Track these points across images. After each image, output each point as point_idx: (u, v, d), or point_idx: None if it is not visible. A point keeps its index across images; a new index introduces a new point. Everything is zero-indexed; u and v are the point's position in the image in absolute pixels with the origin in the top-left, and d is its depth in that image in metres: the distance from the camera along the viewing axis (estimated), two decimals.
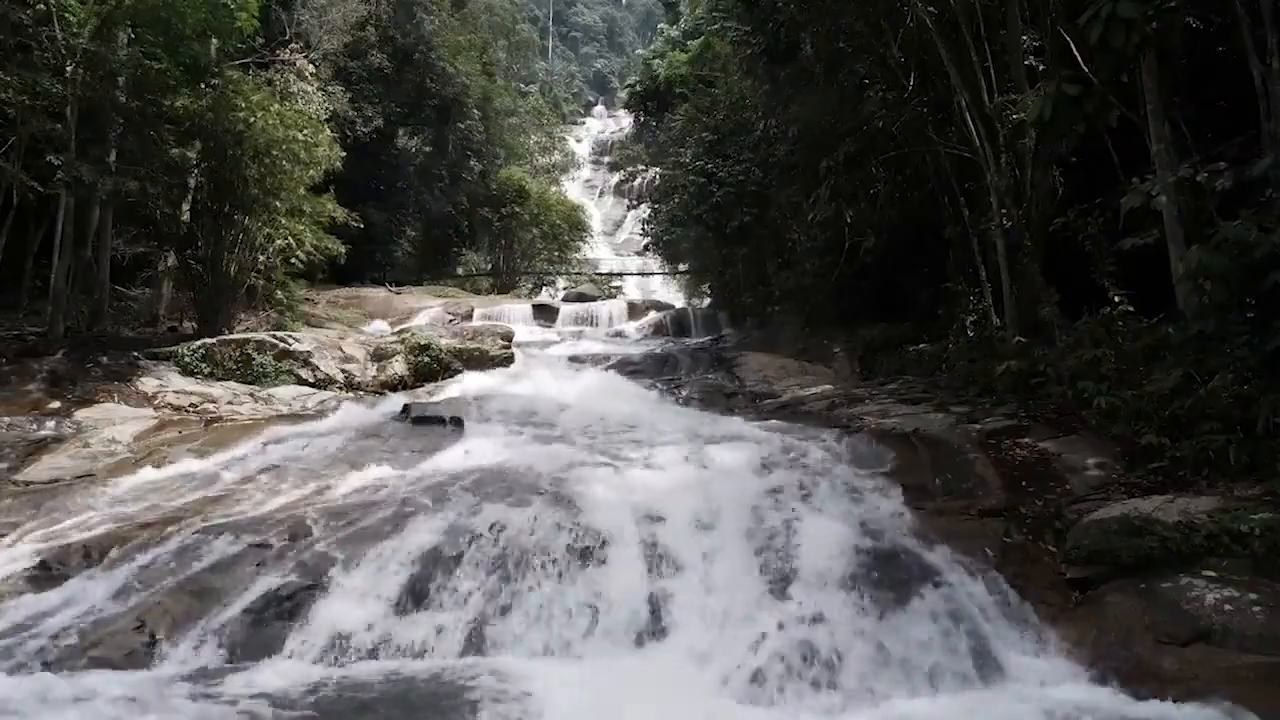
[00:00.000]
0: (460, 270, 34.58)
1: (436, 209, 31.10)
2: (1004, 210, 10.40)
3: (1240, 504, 5.51)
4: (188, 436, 9.24)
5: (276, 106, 15.68)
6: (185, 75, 14.32)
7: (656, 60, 31.35)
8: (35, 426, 9.31)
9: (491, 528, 6.17)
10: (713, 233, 20.35)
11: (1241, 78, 7.40)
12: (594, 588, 5.67)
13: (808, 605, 5.40)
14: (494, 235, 35.65)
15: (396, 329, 20.00)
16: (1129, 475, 6.64)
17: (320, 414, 10.54)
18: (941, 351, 11.65)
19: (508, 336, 15.74)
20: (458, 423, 9.45)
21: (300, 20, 24.15)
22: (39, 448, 8.70)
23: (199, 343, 12.88)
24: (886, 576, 5.64)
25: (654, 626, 5.45)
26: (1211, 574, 5.06)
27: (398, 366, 13.70)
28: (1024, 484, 6.91)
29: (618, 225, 46.47)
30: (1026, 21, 10.74)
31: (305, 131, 15.87)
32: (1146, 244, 7.80)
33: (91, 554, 5.97)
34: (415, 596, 5.56)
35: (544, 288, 35.08)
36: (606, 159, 53.14)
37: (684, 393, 12.93)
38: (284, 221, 16.55)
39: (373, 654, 5.17)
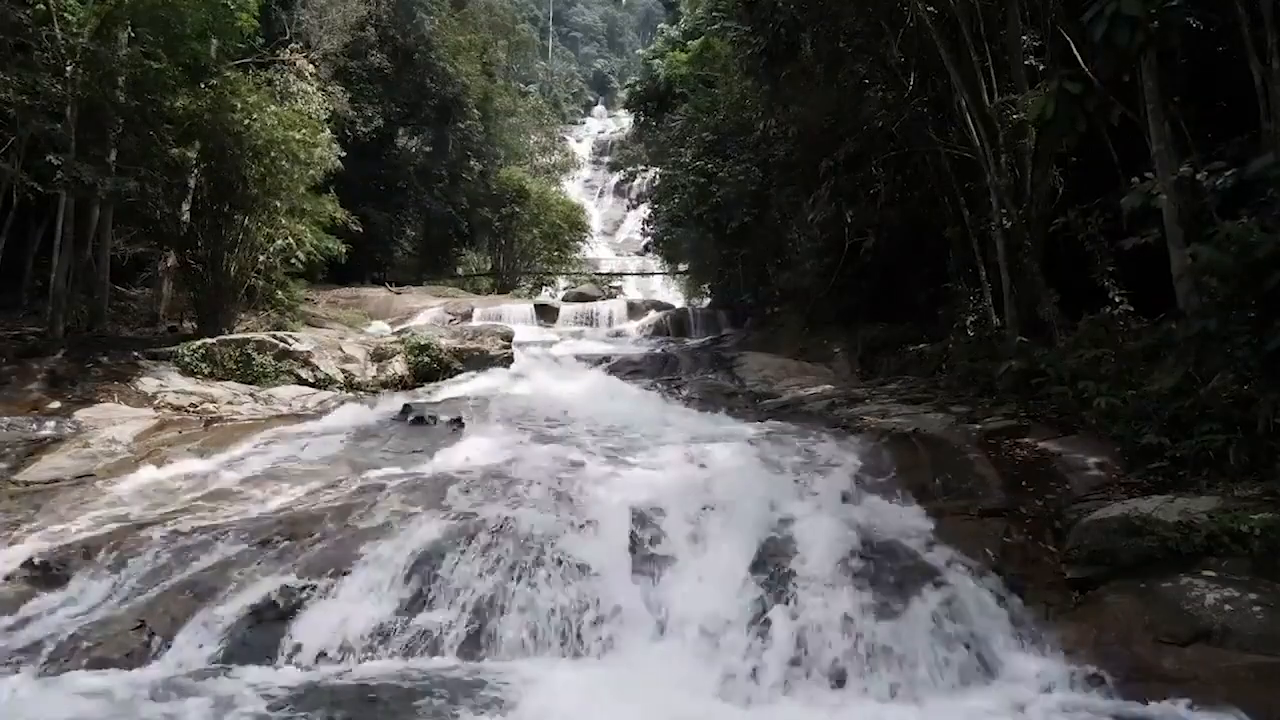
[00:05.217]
0: (460, 270, 34.59)
1: (436, 209, 31.10)
2: (1004, 210, 10.40)
3: (1240, 504, 5.50)
4: (188, 436, 9.24)
5: (274, 107, 15.68)
6: (185, 75, 14.33)
7: (656, 60, 31.29)
8: (35, 426, 9.31)
9: (491, 528, 6.16)
10: (713, 233, 20.35)
11: (1241, 78, 7.40)
12: (594, 587, 5.66)
13: (807, 605, 5.39)
14: (494, 235, 35.64)
15: (396, 329, 20.05)
16: (1129, 475, 6.62)
17: (320, 414, 10.54)
18: (941, 351, 11.64)
19: (508, 336, 15.75)
20: (457, 423, 9.45)
21: (300, 20, 24.16)
22: (39, 448, 8.70)
23: (199, 343, 12.88)
24: (886, 576, 5.64)
25: (654, 626, 5.45)
26: (1211, 574, 5.06)
27: (398, 366, 13.71)
28: (1024, 484, 6.91)
29: (618, 225, 46.45)
30: (1026, 21, 10.73)
31: (303, 131, 15.87)
32: (1146, 244, 7.79)
33: (91, 554, 5.96)
34: (415, 597, 5.55)
35: (544, 288, 35.08)
36: (606, 159, 53.05)
37: (684, 393, 12.93)
38: (284, 221, 16.55)
39: (373, 654, 5.16)
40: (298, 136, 15.58)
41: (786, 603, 5.44)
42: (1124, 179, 8.25)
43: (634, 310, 26.04)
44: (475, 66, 32.70)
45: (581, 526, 6.26)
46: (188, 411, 10.79)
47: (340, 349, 13.91)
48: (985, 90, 10.66)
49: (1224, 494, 5.76)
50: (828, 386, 12.56)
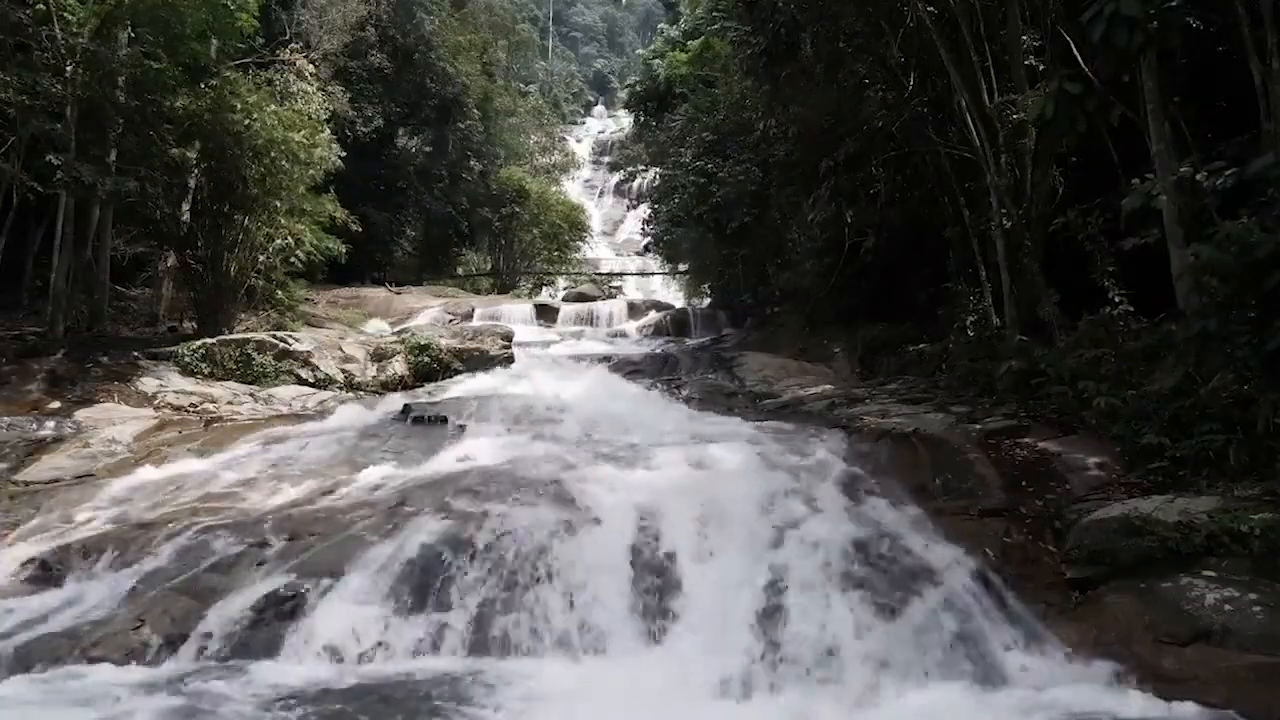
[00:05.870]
0: (460, 270, 34.59)
1: (436, 209, 31.10)
2: (1004, 210, 10.40)
3: (1240, 504, 5.50)
4: (188, 436, 9.24)
5: (273, 107, 15.68)
6: (185, 75, 14.33)
7: (656, 60, 31.28)
8: (35, 426, 9.31)
9: (492, 528, 6.17)
10: (713, 233, 20.35)
11: (1241, 78, 7.40)
12: (594, 588, 5.66)
13: (808, 605, 5.39)
14: (494, 235, 35.64)
15: (396, 329, 20.05)
16: (1129, 475, 6.62)
17: (320, 414, 10.54)
18: (941, 351, 11.64)
19: (508, 336, 15.74)
20: (458, 423, 9.44)
21: (300, 20, 24.16)
22: (39, 448, 8.70)
23: (199, 343, 12.88)
24: (886, 576, 5.64)
25: (655, 626, 5.45)
26: (1211, 574, 5.06)
27: (398, 366, 13.71)
28: (1024, 484, 6.90)
29: (618, 225, 46.45)
30: (1026, 21, 10.73)
31: (303, 132, 15.87)
32: (1146, 244, 7.79)
33: (91, 554, 5.97)
34: (415, 597, 5.56)
35: (544, 288, 35.08)
36: (606, 159, 53.07)
37: (684, 393, 12.92)
38: (284, 221, 16.54)
39: (373, 654, 5.17)
40: (297, 137, 15.57)
41: (786, 603, 5.44)
42: (1124, 179, 8.25)
43: (634, 310, 26.03)
44: (475, 66, 32.69)
45: (582, 526, 6.25)
46: (188, 411, 10.79)
47: (340, 349, 13.91)
48: (985, 90, 10.66)
49: (1224, 494, 5.76)
50: (828, 386, 12.56)
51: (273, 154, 15.20)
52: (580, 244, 38.71)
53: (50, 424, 9.45)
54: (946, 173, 12.05)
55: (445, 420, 9.55)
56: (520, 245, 35.94)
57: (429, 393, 12.46)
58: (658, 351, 18.27)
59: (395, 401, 10.95)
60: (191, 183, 15.75)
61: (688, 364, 16.04)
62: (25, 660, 4.92)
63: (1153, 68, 7.51)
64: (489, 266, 35.91)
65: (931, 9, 11.15)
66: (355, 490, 7.18)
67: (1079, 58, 8.48)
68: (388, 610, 5.44)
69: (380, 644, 5.23)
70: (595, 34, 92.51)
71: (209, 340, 13.01)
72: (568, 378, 13.72)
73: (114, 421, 9.70)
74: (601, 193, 51.15)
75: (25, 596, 5.56)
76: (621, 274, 37.75)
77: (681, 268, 32.17)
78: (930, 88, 12.12)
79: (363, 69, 26.21)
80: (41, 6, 12.36)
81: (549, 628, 5.38)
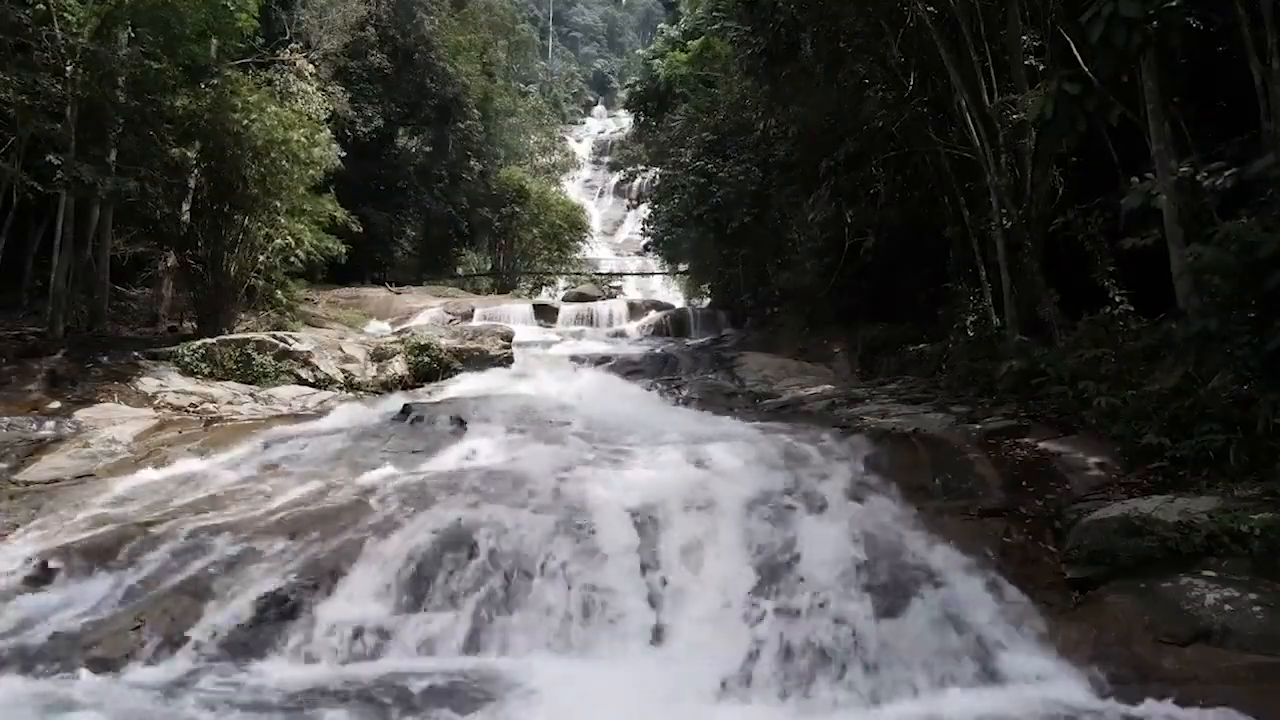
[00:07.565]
0: (460, 270, 34.59)
1: (436, 209, 31.09)
2: (1004, 210, 10.40)
3: (1240, 504, 5.51)
4: (188, 436, 9.24)
5: (274, 107, 15.68)
6: (185, 75, 14.34)
7: (656, 60, 31.25)
8: (35, 426, 9.31)
9: (491, 528, 6.16)
10: (713, 233, 20.36)
11: (1241, 78, 7.40)
12: (593, 588, 5.66)
13: (807, 606, 5.39)
14: (494, 235, 35.65)
15: (396, 329, 20.05)
16: (1129, 475, 6.63)
17: (320, 414, 10.53)
18: (941, 351, 11.65)
19: (508, 336, 15.75)
20: (458, 423, 9.44)
21: (300, 20, 24.19)
22: (39, 448, 8.70)
23: (199, 343, 12.88)
24: (886, 577, 5.64)
25: (653, 627, 5.45)
26: (1211, 574, 5.06)
27: (398, 366, 13.71)
28: (1024, 484, 6.91)
29: (618, 225, 46.45)
30: (1026, 21, 10.74)
31: (303, 132, 15.87)
32: (1146, 244, 7.80)
33: (91, 554, 5.96)
34: (415, 596, 5.56)
35: (544, 288, 35.08)
36: (606, 159, 53.01)
37: (684, 393, 12.93)
38: (284, 221, 16.54)
39: (373, 654, 5.17)
40: (297, 137, 15.57)
41: (786, 603, 5.44)
42: (1124, 179, 8.26)
43: (634, 310, 26.01)
44: (475, 66, 32.69)
45: (581, 526, 6.25)
46: (188, 411, 10.79)
47: (340, 349, 13.91)
48: (985, 90, 10.66)
49: (1224, 494, 5.76)
50: (828, 386, 12.56)
51: (273, 154, 15.20)
52: (580, 244, 38.69)
53: (50, 424, 9.45)
54: (946, 173, 12.05)
55: (445, 420, 9.55)
56: (520, 245, 35.95)
57: (429, 393, 12.46)
58: (658, 351, 18.27)
59: (395, 401, 10.94)
60: (191, 183, 15.75)
61: (688, 364, 16.04)
62: (25, 660, 4.92)
63: (1153, 68, 7.51)
64: (489, 266, 35.91)
65: (931, 9, 11.16)
66: (355, 490, 7.16)
67: (1079, 58, 8.48)
68: (388, 610, 5.45)
69: (380, 643, 5.23)
70: (595, 34, 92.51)
71: (209, 340, 13.01)
72: (567, 378, 13.73)
73: (114, 421, 9.70)
74: (601, 193, 51.13)
75: (25, 596, 5.55)
76: (621, 274, 37.73)
77: (681, 268, 32.17)
78: (930, 88, 12.13)
79: (363, 69, 26.20)
80: (41, 6, 12.36)
81: (549, 627, 5.38)
